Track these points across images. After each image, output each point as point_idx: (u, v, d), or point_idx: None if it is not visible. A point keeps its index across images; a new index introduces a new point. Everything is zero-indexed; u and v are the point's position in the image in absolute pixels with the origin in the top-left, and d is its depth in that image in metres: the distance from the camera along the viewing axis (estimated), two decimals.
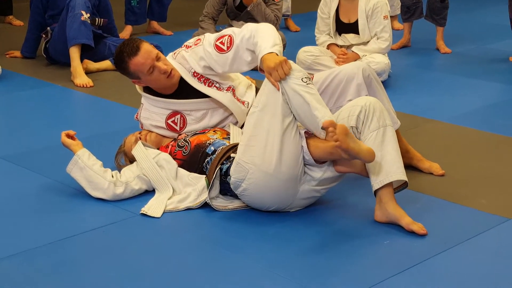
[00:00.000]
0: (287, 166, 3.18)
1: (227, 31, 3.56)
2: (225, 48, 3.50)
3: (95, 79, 5.48)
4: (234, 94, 3.65)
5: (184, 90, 3.64)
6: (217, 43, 3.53)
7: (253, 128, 3.21)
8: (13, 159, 3.95)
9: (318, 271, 2.88)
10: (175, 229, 3.23)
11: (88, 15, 5.61)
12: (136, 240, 3.12)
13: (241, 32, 3.48)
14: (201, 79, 3.61)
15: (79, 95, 5.26)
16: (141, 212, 3.30)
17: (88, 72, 5.58)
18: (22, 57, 6.12)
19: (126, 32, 6.83)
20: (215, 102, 3.65)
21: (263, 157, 3.17)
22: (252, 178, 3.20)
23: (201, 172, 3.46)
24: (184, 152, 3.51)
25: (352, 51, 5.39)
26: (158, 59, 3.53)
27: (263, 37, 3.34)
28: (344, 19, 5.42)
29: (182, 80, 3.63)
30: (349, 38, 5.44)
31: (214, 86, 3.61)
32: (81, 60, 5.57)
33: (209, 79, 3.62)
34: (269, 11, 6.24)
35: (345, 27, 5.43)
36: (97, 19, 5.82)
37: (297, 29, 7.34)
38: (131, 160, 3.63)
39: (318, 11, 5.49)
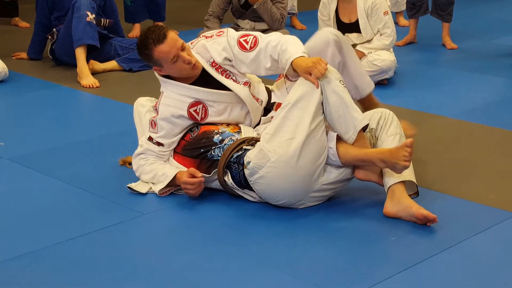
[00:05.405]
0: (306, 161, 3.25)
1: (253, 33, 3.60)
2: (248, 47, 3.53)
3: (101, 80, 5.48)
4: (250, 90, 3.65)
5: (203, 81, 3.61)
6: (241, 39, 3.55)
7: (282, 119, 3.30)
8: (20, 160, 3.96)
9: (324, 268, 2.88)
10: (181, 228, 3.24)
11: (94, 15, 5.62)
12: (143, 240, 3.13)
13: (267, 37, 3.52)
14: (219, 70, 3.60)
15: (86, 96, 5.27)
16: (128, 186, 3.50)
17: (94, 73, 5.59)
18: (28, 59, 6.13)
19: (135, 31, 6.85)
20: (235, 97, 3.64)
21: (287, 148, 3.25)
22: (272, 166, 3.25)
23: (198, 155, 3.49)
24: (192, 135, 3.57)
25: (357, 50, 5.38)
26: (183, 49, 3.51)
27: (293, 45, 3.45)
28: (345, 19, 5.40)
29: (202, 70, 3.61)
30: (352, 37, 5.42)
31: (231, 78, 3.61)
32: (87, 61, 5.58)
33: (227, 70, 3.61)
34: (275, 10, 6.25)
35: (346, 27, 5.41)
36: (102, 19, 5.83)
37: (303, 27, 7.30)
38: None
39: (318, 13, 5.48)
